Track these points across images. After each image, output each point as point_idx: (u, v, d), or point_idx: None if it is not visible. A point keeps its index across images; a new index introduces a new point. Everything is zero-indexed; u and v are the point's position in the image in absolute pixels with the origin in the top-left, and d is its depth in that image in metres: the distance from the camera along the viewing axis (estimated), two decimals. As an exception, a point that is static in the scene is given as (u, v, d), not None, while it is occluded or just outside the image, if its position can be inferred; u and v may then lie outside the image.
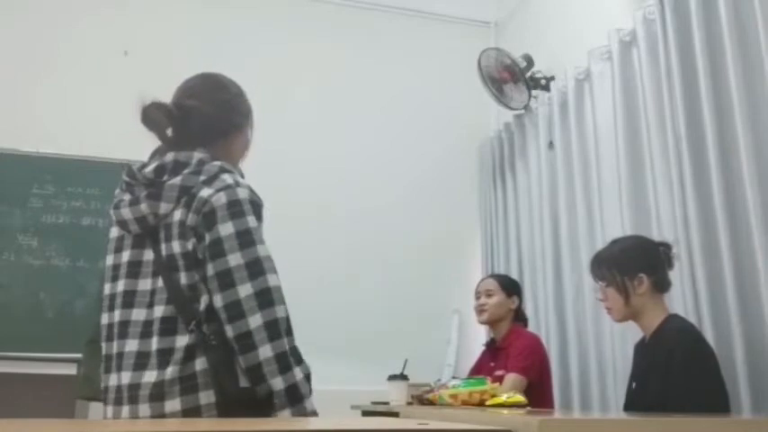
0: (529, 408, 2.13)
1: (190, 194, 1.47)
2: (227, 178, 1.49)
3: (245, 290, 1.40)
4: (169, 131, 1.55)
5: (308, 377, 1.45)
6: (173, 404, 1.38)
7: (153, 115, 1.52)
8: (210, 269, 1.42)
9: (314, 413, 1.44)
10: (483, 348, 3.18)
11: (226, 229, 1.43)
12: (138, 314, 1.47)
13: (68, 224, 3.40)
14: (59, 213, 3.40)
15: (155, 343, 1.42)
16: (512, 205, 3.89)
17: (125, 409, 1.43)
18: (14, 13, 3.70)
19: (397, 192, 4.04)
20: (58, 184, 3.42)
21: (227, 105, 1.64)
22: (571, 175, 3.28)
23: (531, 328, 3.23)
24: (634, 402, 2.12)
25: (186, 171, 1.49)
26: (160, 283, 1.46)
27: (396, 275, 3.91)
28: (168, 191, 1.48)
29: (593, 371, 2.99)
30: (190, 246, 1.45)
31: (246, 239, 1.44)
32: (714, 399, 1.92)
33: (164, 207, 1.48)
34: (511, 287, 3.06)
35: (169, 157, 1.52)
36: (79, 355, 1.98)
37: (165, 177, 1.50)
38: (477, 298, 3.06)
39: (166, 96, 1.60)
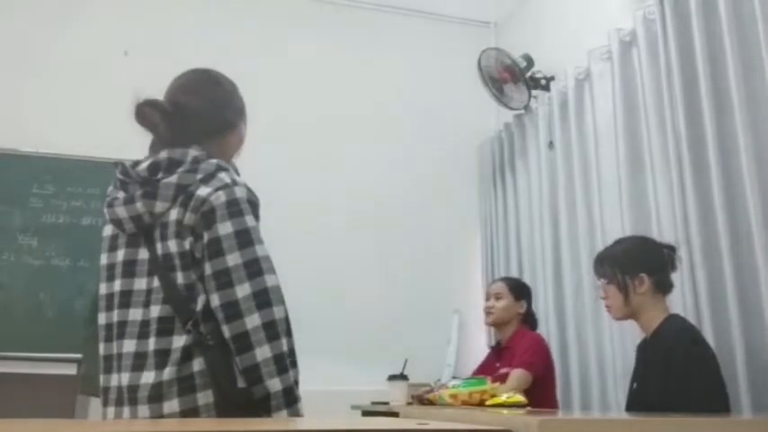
0: (529, 408, 2.13)
1: (187, 193, 1.45)
2: (225, 177, 1.47)
3: (242, 290, 1.38)
4: (163, 128, 1.53)
5: (296, 382, 1.43)
6: (171, 405, 1.37)
7: (146, 112, 1.51)
8: (208, 268, 1.41)
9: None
10: (488, 351, 3.20)
11: (225, 228, 1.41)
12: (135, 314, 1.46)
13: (68, 224, 3.39)
14: (59, 213, 3.39)
15: (152, 343, 1.41)
16: (512, 205, 3.89)
17: (126, 410, 1.43)
18: (15, 13, 3.70)
19: (396, 191, 4.03)
20: (58, 184, 3.41)
21: (221, 102, 1.62)
22: (571, 175, 3.28)
23: (532, 327, 3.24)
24: (635, 403, 2.13)
25: (181, 169, 1.47)
26: (156, 282, 1.45)
27: (396, 275, 3.91)
28: (164, 189, 1.45)
29: (594, 371, 2.99)
30: (187, 245, 1.43)
31: (245, 239, 1.42)
32: (714, 399, 1.92)
33: (160, 206, 1.46)
34: (520, 291, 3.07)
35: (163, 154, 1.50)
36: (79, 356, 1.99)
37: (160, 175, 1.48)
38: (487, 299, 3.10)
39: (166, 96, 1.59)
